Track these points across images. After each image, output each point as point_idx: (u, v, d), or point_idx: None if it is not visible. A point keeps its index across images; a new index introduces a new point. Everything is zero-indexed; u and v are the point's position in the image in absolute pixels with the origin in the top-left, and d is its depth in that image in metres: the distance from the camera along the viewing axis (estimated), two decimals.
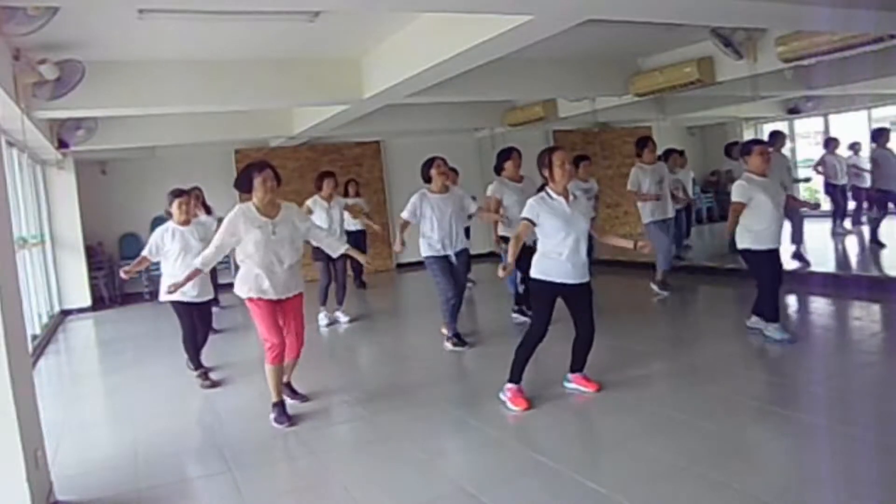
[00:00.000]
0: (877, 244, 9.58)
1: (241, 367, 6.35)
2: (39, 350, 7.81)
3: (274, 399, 4.58)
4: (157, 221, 11.65)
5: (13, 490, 3.18)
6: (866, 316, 6.53)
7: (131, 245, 11.60)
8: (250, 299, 4.51)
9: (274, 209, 4.54)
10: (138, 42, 6.25)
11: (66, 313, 10.46)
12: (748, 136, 15.33)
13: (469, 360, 6.09)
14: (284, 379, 4.80)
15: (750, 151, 5.46)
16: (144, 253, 5.77)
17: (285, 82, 7.45)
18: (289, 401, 4.83)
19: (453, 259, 6.22)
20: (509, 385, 4.48)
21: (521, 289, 7.09)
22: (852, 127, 12.81)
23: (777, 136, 9.23)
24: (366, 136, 12.47)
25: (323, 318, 7.93)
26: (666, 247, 7.90)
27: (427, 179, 6.23)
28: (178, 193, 5.93)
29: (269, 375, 4.56)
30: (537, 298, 4.51)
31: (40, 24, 4.97)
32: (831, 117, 14.29)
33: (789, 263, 8.39)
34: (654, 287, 8.02)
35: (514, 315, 7.22)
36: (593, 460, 3.53)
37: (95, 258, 11.20)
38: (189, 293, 5.57)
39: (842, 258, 9.90)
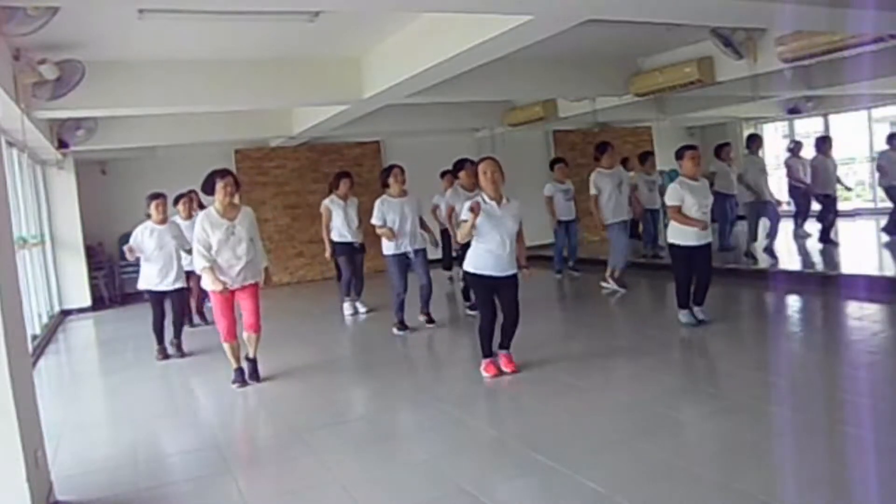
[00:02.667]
0: (829, 243, 10.02)
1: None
2: (39, 350, 7.80)
3: (234, 366, 5.54)
4: None
5: (13, 490, 3.18)
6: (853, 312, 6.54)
7: None
8: (213, 291, 5.32)
9: (233, 211, 5.36)
10: (138, 42, 6.25)
11: (66, 313, 10.46)
12: (746, 136, 15.36)
13: (469, 361, 6.09)
14: (250, 354, 5.60)
15: (682, 156, 6.02)
16: (131, 243, 6.63)
17: (285, 82, 7.45)
18: (247, 378, 5.58)
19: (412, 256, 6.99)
20: (483, 359, 5.22)
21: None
22: (852, 127, 12.83)
23: (753, 140, 9.61)
24: (366, 136, 12.47)
25: (347, 309, 8.37)
26: (623, 246, 8.28)
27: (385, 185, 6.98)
28: (155, 196, 6.80)
29: (226, 350, 5.49)
30: (474, 289, 5.37)
31: (40, 24, 4.97)
32: (831, 117, 14.30)
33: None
34: (608, 284, 8.35)
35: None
36: (593, 460, 3.53)
37: (95, 258, 11.19)
38: (155, 282, 6.69)
39: (797, 256, 10.16)
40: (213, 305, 5.46)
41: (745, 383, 4.60)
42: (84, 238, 10.73)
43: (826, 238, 10.15)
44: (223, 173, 5.32)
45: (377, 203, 6.94)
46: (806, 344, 5.73)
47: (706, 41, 7.66)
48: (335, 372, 6.08)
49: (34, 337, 7.94)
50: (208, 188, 5.31)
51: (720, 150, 9.83)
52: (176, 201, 7.90)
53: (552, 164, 9.88)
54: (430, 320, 7.19)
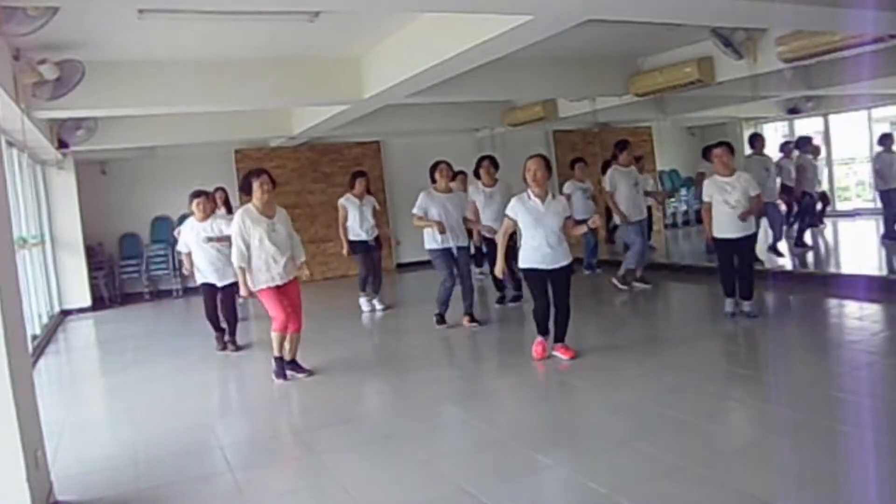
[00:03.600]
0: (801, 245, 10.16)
1: (240, 368, 6.35)
2: (39, 350, 7.80)
3: (276, 354, 5.53)
4: (157, 221, 11.72)
5: (13, 490, 3.18)
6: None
7: (131, 245, 11.62)
8: (261, 290, 5.39)
9: (271, 209, 5.49)
10: (138, 42, 6.25)
11: (66, 313, 10.46)
12: (748, 136, 15.34)
13: (469, 361, 6.10)
14: (288, 356, 5.59)
15: (710, 154, 6.33)
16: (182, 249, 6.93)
17: (285, 82, 7.45)
18: (298, 375, 5.60)
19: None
20: (537, 338, 5.53)
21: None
22: (852, 127, 12.82)
23: (757, 139, 9.79)
24: (366, 136, 12.46)
25: (365, 305, 8.51)
26: (639, 246, 8.23)
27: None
28: (196, 194, 6.86)
29: (274, 339, 5.49)
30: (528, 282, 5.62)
31: (40, 24, 4.97)
32: (831, 117, 14.28)
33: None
34: (617, 283, 8.40)
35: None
36: (593, 460, 3.53)
37: (95, 258, 11.19)
38: (210, 277, 6.79)
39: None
40: (267, 302, 5.47)
41: (747, 383, 4.60)
42: (84, 238, 10.72)
43: (801, 241, 10.15)
44: (258, 172, 5.47)
45: (422, 195, 7.00)
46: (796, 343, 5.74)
47: (706, 41, 7.65)
48: (334, 372, 6.08)
49: (34, 337, 7.94)
50: (246, 188, 5.47)
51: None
52: (191, 200, 7.58)
53: (572, 163, 9.93)
54: (474, 320, 7.07)
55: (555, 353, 5.49)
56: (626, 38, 7.58)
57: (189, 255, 6.88)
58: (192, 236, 6.78)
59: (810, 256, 9.89)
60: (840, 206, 13.19)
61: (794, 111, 13.68)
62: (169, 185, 11.38)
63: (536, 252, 5.30)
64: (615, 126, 13.86)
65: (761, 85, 8.36)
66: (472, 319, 7.06)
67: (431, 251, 7.04)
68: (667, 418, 4.04)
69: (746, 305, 6.31)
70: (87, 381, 6.69)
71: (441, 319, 7.10)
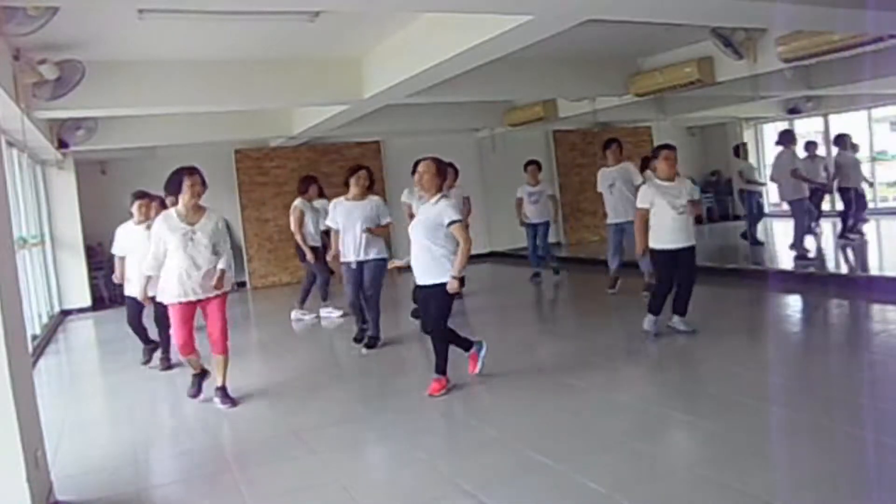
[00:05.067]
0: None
1: (240, 368, 6.34)
2: (39, 350, 7.80)
3: (194, 372, 5.23)
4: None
5: (13, 490, 3.18)
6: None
7: None
8: (170, 304, 4.91)
9: (196, 215, 4.89)
10: (138, 42, 6.25)
11: (66, 313, 10.46)
12: (748, 136, 15.34)
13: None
14: (218, 383, 5.07)
15: (656, 156, 5.98)
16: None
17: (285, 82, 7.45)
18: (219, 405, 5.03)
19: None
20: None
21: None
22: (852, 127, 12.80)
23: (786, 135, 9.51)
24: (366, 136, 12.46)
25: (326, 312, 8.26)
26: (613, 249, 8.18)
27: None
28: (140, 195, 6.47)
29: (184, 363, 5.26)
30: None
31: (40, 24, 4.97)
32: (831, 117, 14.29)
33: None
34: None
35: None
36: (593, 460, 3.53)
37: (95, 258, 11.18)
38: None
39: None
40: (171, 319, 4.99)
41: (745, 383, 4.60)
42: (84, 238, 10.72)
43: (849, 233, 10.12)
44: (191, 170, 4.86)
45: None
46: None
47: (706, 41, 7.65)
48: (333, 372, 6.09)
49: (34, 337, 7.93)
50: (174, 188, 4.84)
51: (738, 149, 9.85)
52: (133, 201, 6.64)
53: (525, 166, 9.69)
54: (369, 345, 6.41)
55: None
56: (626, 38, 7.58)
57: (123, 259, 6.43)
58: (129, 241, 6.30)
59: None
60: (840, 205, 13.18)
61: (794, 111, 13.68)
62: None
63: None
64: (615, 126, 13.87)
65: (761, 85, 8.36)
66: (367, 345, 6.39)
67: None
68: (666, 418, 4.04)
69: (681, 323, 5.87)
70: (87, 381, 6.69)
71: (359, 338, 6.53)
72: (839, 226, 10.58)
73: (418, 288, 5.02)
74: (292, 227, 8.04)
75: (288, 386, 5.55)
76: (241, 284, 12.24)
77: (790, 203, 9.34)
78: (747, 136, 15.30)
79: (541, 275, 9.82)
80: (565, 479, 3.32)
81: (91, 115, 8.38)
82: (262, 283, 12.24)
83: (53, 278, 10.39)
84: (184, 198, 4.81)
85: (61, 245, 10.60)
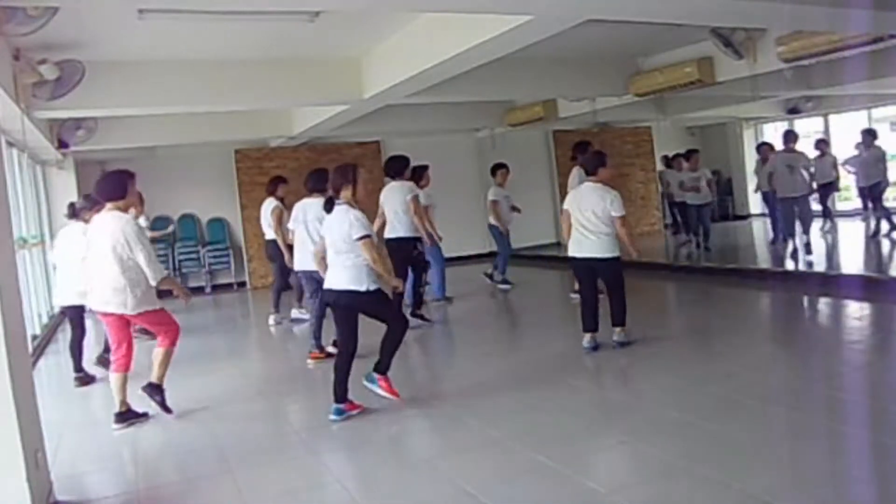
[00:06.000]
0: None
1: (239, 368, 6.34)
2: (39, 350, 7.80)
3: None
4: (157, 221, 11.69)
5: (13, 490, 3.18)
6: None
7: None
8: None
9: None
10: (138, 42, 6.25)
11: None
12: (748, 136, 15.37)
13: (467, 361, 6.09)
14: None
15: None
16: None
17: (285, 82, 7.45)
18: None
19: None
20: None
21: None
22: (852, 127, 12.81)
23: (788, 136, 9.42)
24: (366, 136, 12.47)
25: (298, 314, 8.00)
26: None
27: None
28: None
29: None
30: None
31: (40, 24, 4.96)
32: (831, 117, 14.30)
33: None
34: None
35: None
36: (593, 460, 3.53)
37: None
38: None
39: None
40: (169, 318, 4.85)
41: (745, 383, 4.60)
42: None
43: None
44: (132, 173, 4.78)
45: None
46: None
47: (706, 41, 7.65)
48: (330, 373, 6.08)
49: (34, 337, 7.93)
50: (119, 191, 4.62)
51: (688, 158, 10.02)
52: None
53: (494, 169, 9.26)
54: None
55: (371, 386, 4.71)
56: (626, 38, 7.58)
57: None
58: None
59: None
60: (840, 205, 13.20)
61: (794, 111, 13.70)
62: (169, 185, 11.38)
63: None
64: (615, 126, 13.88)
65: (761, 85, 8.37)
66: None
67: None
68: (666, 418, 4.04)
69: (616, 334, 5.64)
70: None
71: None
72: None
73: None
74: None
75: (288, 386, 5.55)
76: (242, 285, 12.26)
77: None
78: (747, 136, 15.36)
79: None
80: (565, 479, 3.32)
81: (91, 115, 8.38)
82: (263, 284, 12.24)
83: (54, 278, 10.37)
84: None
85: None
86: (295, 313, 8.12)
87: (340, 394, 4.47)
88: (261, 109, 9.83)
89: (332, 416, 4.43)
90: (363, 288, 4.39)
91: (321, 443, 4.20)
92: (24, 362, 3.57)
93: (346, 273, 4.41)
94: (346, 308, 4.48)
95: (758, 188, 11.41)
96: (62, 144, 9.21)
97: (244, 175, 12.21)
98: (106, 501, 3.61)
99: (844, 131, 13.50)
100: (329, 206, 4.51)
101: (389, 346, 4.61)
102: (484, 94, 8.94)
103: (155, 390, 4.81)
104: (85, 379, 6.18)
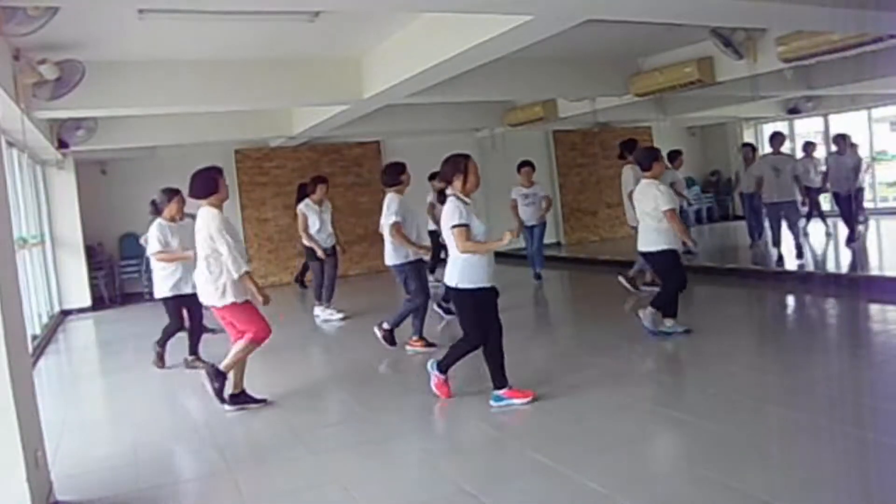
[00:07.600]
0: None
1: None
2: (39, 350, 7.80)
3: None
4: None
5: (13, 490, 3.18)
6: None
7: (131, 245, 11.57)
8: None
9: None
10: (138, 42, 6.25)
11: (66, 313, 10.45)
12: (748, 136, 15.36)
13: (466, 360, 6.08)
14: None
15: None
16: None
17: (285, 82, 7.45)
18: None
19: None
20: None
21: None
22: (852, 127, 12.83)
23: (775, 138, 9.26)
24: (366, 136, 12.47)
25: (322, 314, 8.27)
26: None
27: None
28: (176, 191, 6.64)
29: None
30: None
31: (40, 24, 4.96)
32: (831, 117, 14.31)
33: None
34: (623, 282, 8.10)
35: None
36: (593, 460, 3.53)
37: (95, 258, 11.19)
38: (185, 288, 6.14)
39: None
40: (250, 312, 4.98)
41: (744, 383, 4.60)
42: (84, 238, 10.72)
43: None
44: (221, 170, 5.03)
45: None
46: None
47: (706, 41, 7.65)
48: (331, 373, 6.08)
49: (34, 337, 7.93)
50: (211, 187, 4.82)
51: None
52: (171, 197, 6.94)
53: (519, 167, 9.44)
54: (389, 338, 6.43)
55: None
56: (626, 38, 7.58)
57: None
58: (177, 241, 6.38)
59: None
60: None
61: (794, 111, 13.70)
62: (169, 185, 11.34)
63: None
64: (615, 126, 13.88)
65: (761, 85, 8.37)
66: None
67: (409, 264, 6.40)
68: (666, 418, 4.04)
69: (644, 314, 5.84)
70: (87, 381, 6.68)
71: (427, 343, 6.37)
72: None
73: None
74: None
75: (288, 386, 5.54)
76: None
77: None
78: (747, 136, 15.35)
79: (541, 276, 9.77)
80: (565, 479, 3.32)
81: (91, 115, 8.39)
82: (263, 284, 12.20)
83: (53, 278, 10.39)
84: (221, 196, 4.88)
85: (61, 245, 10.60)
86: (332, 313, 8.20)
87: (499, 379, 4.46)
88: (261, 109, 9.83)
89: (491, 402, 4.46)
90: (453, 283, 4.49)
91: (321, 443, 4.20)
92: (24, 362, 3.57)
93: (451, 268, 4.52)
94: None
95: (737, 189, 11.33)
96: (62, 144, 9.22)
97: (244, 175, 12.21)
98: (106, 501, 3.61)
99: (844, 131, 13.49)
100: (442, 198, 4.61)
101: (494, 357, 4.52)
102: (484, 94, 8.94)
103: (217, 376, 4.86)
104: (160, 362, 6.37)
